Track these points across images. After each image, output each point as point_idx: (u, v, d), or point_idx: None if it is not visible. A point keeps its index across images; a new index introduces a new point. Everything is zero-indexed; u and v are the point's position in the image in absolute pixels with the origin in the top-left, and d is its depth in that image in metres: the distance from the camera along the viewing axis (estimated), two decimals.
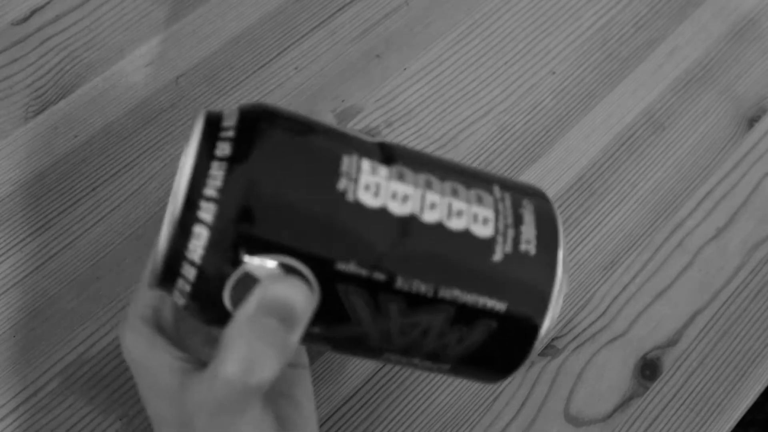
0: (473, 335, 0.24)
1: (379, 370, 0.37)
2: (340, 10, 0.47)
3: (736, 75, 0.47)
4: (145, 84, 0.44)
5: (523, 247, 0.24)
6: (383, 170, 0.23)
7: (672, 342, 0.39)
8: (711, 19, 0.49)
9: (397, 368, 0.37)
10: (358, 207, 0.22)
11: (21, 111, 0.43)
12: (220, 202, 0.21)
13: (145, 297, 0.29)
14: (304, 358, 0.31)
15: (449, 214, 0.23)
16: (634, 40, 0.48)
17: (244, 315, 0.22)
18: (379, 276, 0.22)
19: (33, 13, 0.46)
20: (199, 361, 0.27)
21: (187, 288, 0.22)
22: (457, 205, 0.23)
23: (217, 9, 0.47)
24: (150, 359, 0.27)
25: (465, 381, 0.37)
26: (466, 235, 0.23)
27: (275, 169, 0.21)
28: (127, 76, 0.44)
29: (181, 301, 0.23)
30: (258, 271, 0.21)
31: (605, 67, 0.47)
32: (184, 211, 0.21)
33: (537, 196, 0.26)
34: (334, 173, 0.22)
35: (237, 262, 0.21)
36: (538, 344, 0.25)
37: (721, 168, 0.44)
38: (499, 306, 0.23)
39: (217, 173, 0.21)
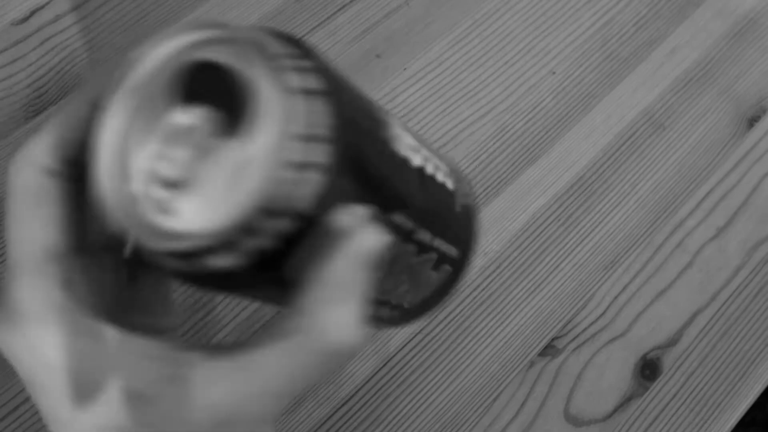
0: (438, 280, 0.26)
1: (379, 370, 0.37)
2: (340, 10, 0.47)
3: (736, 75, 0.47)
4: None
5: (466, 200, 0.27)
6: (396, 122, 0.24)
7: (672, 342, 0.39)
8: (711, 19, 0.49)
9: (397, 368, 0.37)
10: (397, 156, 0.22)
11: (21, 111, 0.43)
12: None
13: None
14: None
15: (435, 167, 0.24)
16: (634, 40, 0.48)
17: (345, 262, 0.19)
18: (409, 225, 0.22)
19: (33, 13, 0.46)
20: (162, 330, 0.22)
21: (264, 242, 0.18)
22: (435, 159, 0.25)
23: (216, 9, 0.47)
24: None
25: (464, 381, 0.37)
26: (444, 187, 0.25)
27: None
28: None
29: (222, 263, 0.18)
30: (347, 224, 0.19)
31: (605, 67, 0.47)
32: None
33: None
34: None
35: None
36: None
37: (721, 168, 0.44)
38: (454, 252, 0.26)
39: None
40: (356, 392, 0.37)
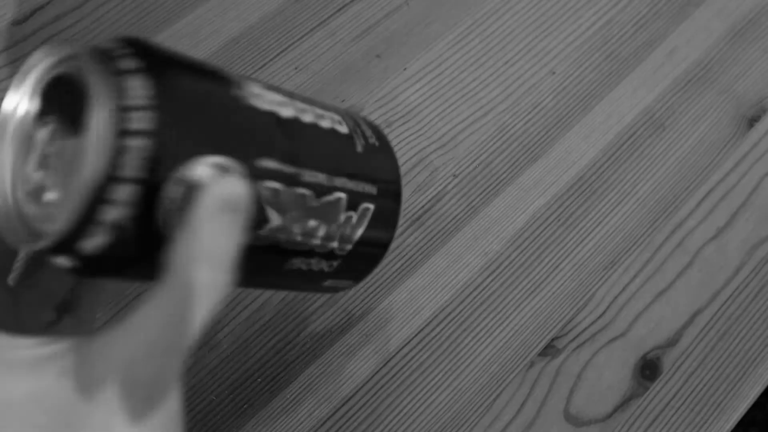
0: (362, 220, 0.28)
1: (379, 370, 0.37)
2: (340, 10, 0.47)
3: (736, 75, 0.47)
4: None
5: (370, 140, 0.29)
6: (256, 84, 0.25)
7: (672, 342, 0.39)
8: (711, 19, 0.49)
9: (397, 368, 0.37)
10: (255, 109, 0.24)
11: None
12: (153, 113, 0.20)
13: None
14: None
15: (316, 116, 0.26)
16: (634, 40, 0.48)
17: (203, 213, 0.20)
18: (290, 169, 0.24)
19: (33, 13, 0.46)
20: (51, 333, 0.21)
21: (123, 213, 0.20)
22: (317, 110, 0.27)
23: (217, 9, 0.47)
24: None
25: (464, 381, 0.37)
26: (333, 132, 0.27)
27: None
28: None
29: (94, 244, 0.20)
30: (199, 176, 0.21)
31: (605, 67, 0.47)
32: (118, 125, 0.20)
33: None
34: (229, 84, 0.24)
35: (174, 170, 0.20)
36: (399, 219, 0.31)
37: (721, 168, 0.44)
38: (371, 189, 0.28)
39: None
40: (356, 392, 0.37)
